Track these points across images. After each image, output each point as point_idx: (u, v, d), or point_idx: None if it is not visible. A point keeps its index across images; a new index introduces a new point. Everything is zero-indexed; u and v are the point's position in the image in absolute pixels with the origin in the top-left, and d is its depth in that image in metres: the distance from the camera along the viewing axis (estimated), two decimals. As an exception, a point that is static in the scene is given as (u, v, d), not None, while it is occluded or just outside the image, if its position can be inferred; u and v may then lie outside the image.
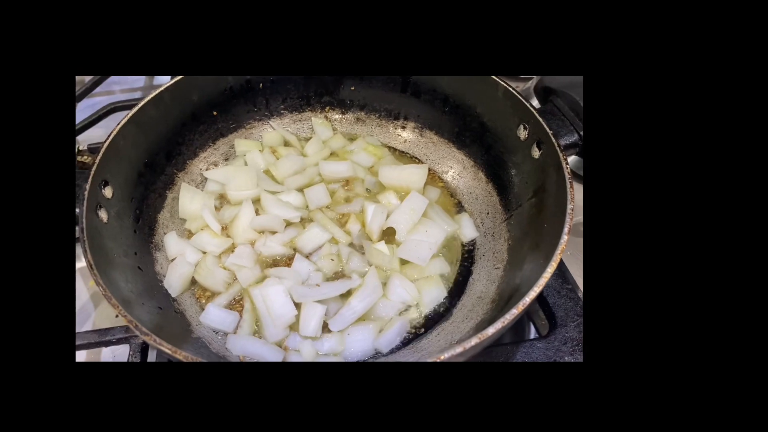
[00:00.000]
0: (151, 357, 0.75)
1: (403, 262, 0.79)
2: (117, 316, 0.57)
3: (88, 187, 0.67)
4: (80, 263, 1.01)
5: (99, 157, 0.70)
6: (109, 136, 0.73)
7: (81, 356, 0.87)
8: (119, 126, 0.75)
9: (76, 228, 0.64)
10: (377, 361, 0.70)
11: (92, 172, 0.68)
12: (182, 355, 0.52)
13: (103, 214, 0.69)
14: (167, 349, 0.53)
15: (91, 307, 0.94)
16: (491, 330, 0.53)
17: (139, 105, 0.78)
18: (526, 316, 0.77)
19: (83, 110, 1.32)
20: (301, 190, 0.89)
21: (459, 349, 0.51)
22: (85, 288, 0.99)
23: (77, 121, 1.15)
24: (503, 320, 0.54)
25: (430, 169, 0.90)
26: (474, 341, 0.52)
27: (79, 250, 1.00)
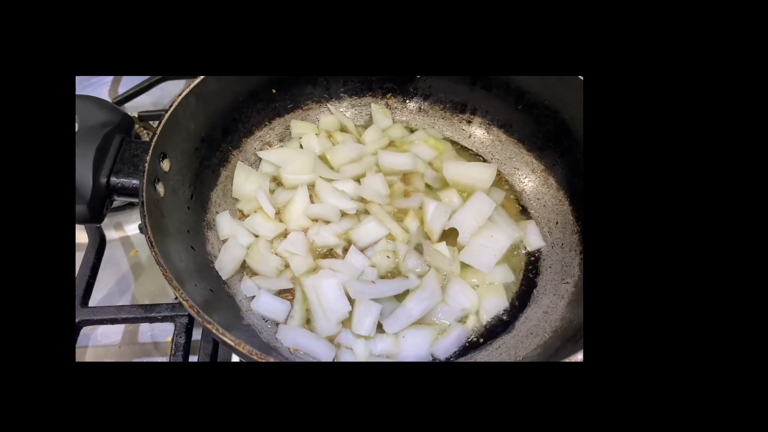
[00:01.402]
0: (196, 336, 0.73)
1: (464, 266, 0.74)
2: (176, 298, 0.54)
3: (148, 158, 0.63)
4: (120, 233, 1.00)
5: (160, 128, 0.67)
6: (170, 106, 0.70)
7: (118, 332, 0.85)
8: (180, 97, 0.72)
9: (138, 200, 0.61)
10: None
11: (153, 143, 0.65)
12: (246, 349, 0.49)
13: (160, 188, 0.66)
14: (230, 341, 0.49)
15: (131, 278, 0.93)
16: (580, 356, 0.49)
17: (201, 76, 0.75)
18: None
19: (129, 77, 1.30)
20: (357, 179, 0.84)
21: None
22: (125, 258, 0.97)
23: (127, 89, 1.13)
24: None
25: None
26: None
27: (120, 218, 1.00)
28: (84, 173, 0.62)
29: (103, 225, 0.96)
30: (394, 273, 0.75)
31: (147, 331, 0.86)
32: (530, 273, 0.76)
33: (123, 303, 0.89)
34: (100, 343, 0.85)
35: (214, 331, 0.50)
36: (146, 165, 0.63)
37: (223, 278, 0.72)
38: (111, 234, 0.97)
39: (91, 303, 0.87)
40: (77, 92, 0.97)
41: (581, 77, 0.72)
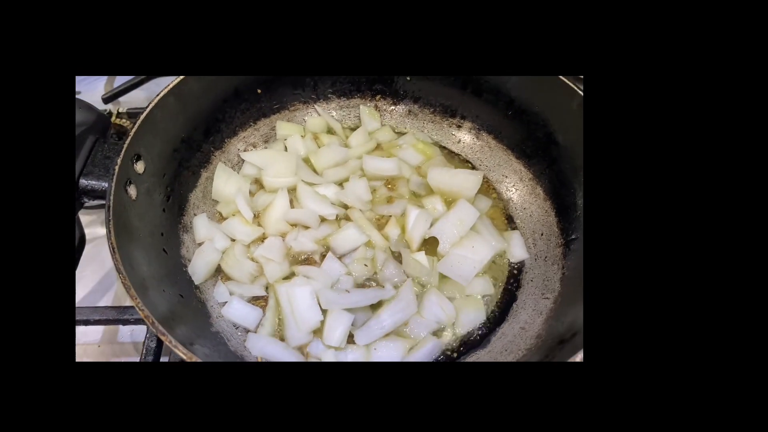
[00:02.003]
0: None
1: (442, 276, 0.72)
2: (134, 306, 0.53)
3: (119, 161, 0.63)
4: (105, 230, 0.99)
5: (134, 130, 0.66)
6: (146, 108, 0.69)
7: (98, 331, 0.85)
8: (158, 97, 0.71)
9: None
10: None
11: (125, 146, 0.64)
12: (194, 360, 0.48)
13: (132, 191, 0.66)
14: (182, 353, 0.48)
15: (114, 275, 0.92)
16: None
17: (181, 76, 0.74)
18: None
19: (127, 71, 1.29)
20: (340, 183, 0.83)
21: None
22: (109, 255, 0.96)
23: (120, 83, 1.12)
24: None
25: (483, 177, 0.82)
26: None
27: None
28: (53, 175, 0.61)
29: (90, 222, 0.97)
30: (371, 282, 0.73)
31: (126, 331, 0.86)
32: (511, 286, 0.74)
33: (105, 301, 0.89)
34: (80, 341, 0.85)
35: (167, 342, 0.49)
36: (116, 168, 0.62)
37: (196, 283, 0.71)
38: (98, 231, 0.97)
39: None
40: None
41: (573, 85, 0.69)
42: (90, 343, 0.84)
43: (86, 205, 0.81)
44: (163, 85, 1.21)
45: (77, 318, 0.72)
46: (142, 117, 0.68)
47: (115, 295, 0.90)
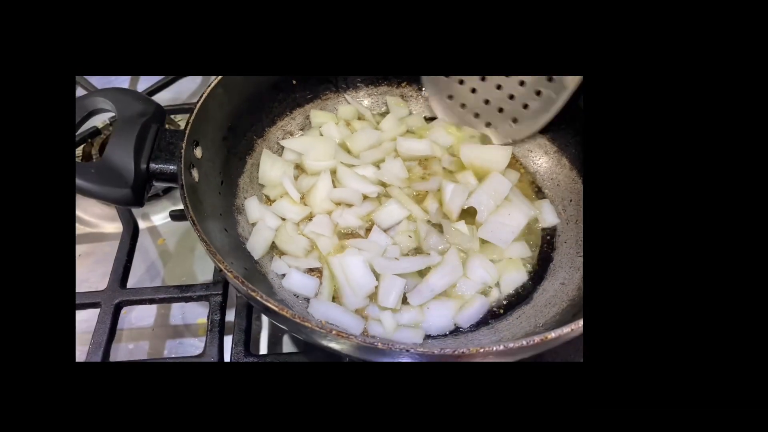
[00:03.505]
0: (229, 317, 0.77)
1: (483, 242, 0.78)
2: (220, 270, 0.57)
3: (183, 145, 0.67)
4: (147, 223, 1.03)
5: (192, 118, 0.71)
6: (201, 96, 0.74)
7: (151, 315, 0.89)
8: (209, 88, 0.76)
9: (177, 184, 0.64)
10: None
11: (187, 131, 0.69)
12: (289, 313, 0.53)
13: (195, 174, 0.70)
14: (273, 306, 0.53)
15: (160, 265, 0.96)
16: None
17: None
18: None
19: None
20: (376, 164, 0.88)
21: (553, 334, 0.50)
22: (153, 245, 1.01)
23: (145, 87, 1.17)
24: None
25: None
26: (568, 329, 0.51)
27: (146, 209, 1.03)
28: (126, 160, 0.65)
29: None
30: (416, 251, 0.78)
31: (178, 314, 0.90)
32: (546, 248, 0.79)
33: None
34: (134, 325, 0.88)
35: (258, 297, 0.54)
36: (182, 151, 0.67)
37: (255, 258, 0.76)
38: (139, 224, 1.01)
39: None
40: (101, 87, 1.01)
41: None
42: (144, 327, 0.88)
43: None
44: (183, 85, 1.26)
45: (142, 297, 0.77)
46: (198, 105, 0.73)
47: (162, 281, 0.94)
